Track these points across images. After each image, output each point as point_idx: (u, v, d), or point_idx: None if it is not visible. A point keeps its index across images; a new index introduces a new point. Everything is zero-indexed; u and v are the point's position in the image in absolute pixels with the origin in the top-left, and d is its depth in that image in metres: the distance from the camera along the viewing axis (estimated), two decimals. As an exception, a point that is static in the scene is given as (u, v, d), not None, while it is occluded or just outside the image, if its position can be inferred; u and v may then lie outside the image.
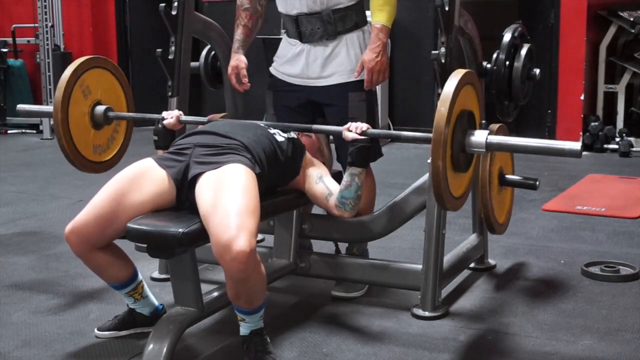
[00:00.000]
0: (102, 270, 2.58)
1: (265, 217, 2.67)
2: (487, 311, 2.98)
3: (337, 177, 3.12)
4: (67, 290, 3.24)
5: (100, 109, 3.16)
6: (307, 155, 2.87)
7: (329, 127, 2.93)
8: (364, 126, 2.70)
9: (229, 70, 3.18)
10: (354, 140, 2.68)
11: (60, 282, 3.34)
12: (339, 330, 2.80)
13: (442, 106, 2.40)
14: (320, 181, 2.82)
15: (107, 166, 3.30)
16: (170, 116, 2.92)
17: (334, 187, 2.79)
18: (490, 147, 2.51)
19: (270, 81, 3.25)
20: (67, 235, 2.48)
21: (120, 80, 3.31)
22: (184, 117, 2.96)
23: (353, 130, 2.69)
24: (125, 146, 3.37)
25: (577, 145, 2.42)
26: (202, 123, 2.93)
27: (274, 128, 2.80)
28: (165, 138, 2.91)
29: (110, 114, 3.18)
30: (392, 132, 2.88)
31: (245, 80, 3.16)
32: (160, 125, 2.91)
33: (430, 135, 2.43)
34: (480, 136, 2.51)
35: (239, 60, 3.16)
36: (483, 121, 2.70)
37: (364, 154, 2.70)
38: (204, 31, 3.47)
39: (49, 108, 3.16)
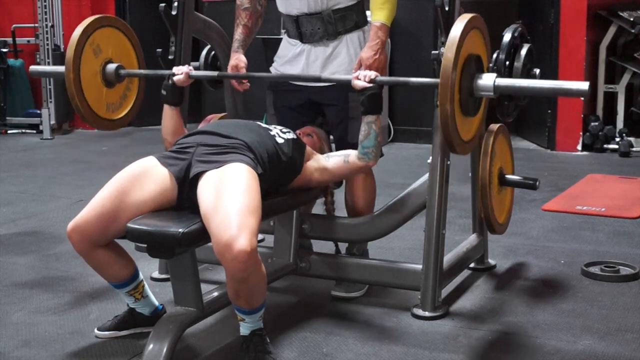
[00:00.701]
0: (103, 269, 2.58)
1: (266, 217, 2.67)
2: (487, 311, 2.98)
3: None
4: (67, 290, 3.24)
5: (112, 67, 3.17)
6: (308, 149, 2.87)
7: (338, 76, 2.93)
8: (372, 74, 2.72)
9: (229, 69, 3.18)
10: (364, 89, 2.70)
11: (60, 282, 3.34)
12: (339, 330, 2.80)
13: (449, 51, 2.41)
14: (330, 157, 2.86)
15: (120, 123, 3.33)
16: (180, 72, 2.93)
17: (346, 152, 2.83)
18: (498, 89, 2.52)
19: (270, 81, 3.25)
20: (69, 232, 2.48)
21: (130, 39, 3.31)
22: (193, 73, 2.96)
23: (362, 78, 2.71)
24: (138, 104, 3.38)
25: (584, 85, 2.42)
26: (213, 77, 2.93)
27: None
28: (174, 94, 2.92)
29: (122, 71, 3.18)
30: (400, 78, 2.89)
31: (245, 80, 3.16)
32: (169, 81, 2.92)
33: (438, 80, 2.44)
34: (488, 79, 2.51)
35: (238, 59, 3.16)
36: (490, 64, 2.70)
37: (375, 100, 2.72)
38: (204, 31, 3.47)
39: (61, 68, 3.16)
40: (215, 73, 3.03)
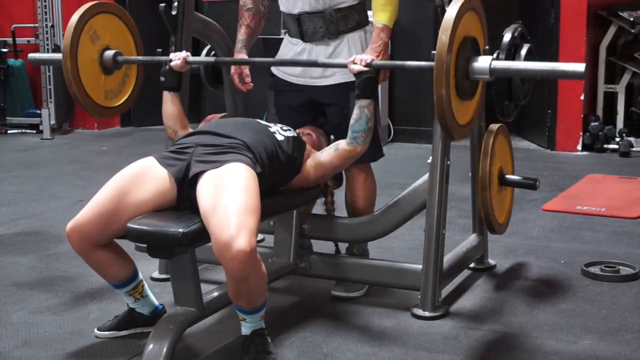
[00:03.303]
0: (103, 269, 2.58)
1: (266, 217, 2.67)
2: (487, 311, 2.98)
3: (337, 176, 3.13)
4: (67, 290, 3.24)
5: (109, 53, 3.17)
6: (308, 147, 2.87)
7: (335, 60, 2.92)
8: (368, 58, 2.72)
9: (232, 69, 3.19)
10: (360, 73, 2.71)
11: (60, 282, 3.34)
12: (339, 330, 2.80)
13: (444, 34, 2.38)
14: (324, 151, 2.86)
15: (119, 110, 3.33)
16: (178, 57, 2.93)
17: (337, 142, 2.83)
18: (494, 72, 2.49)
19: (271, 81, 3.25)
20: (68, 233, 2.48)
21: (128, 25, 3.31)
22: (191, 58, 2.96)
23: (358, 62, 2.72)
24: (137, 91, 3.37)
25: (580, 67, 2.40)
26: (210, 63, 2.95)
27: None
28: (172, 79, 2.93)
29: (120, 58, 3.18)
30: (396, 62, 2.90)
31: (248, 80, 3.17)
32: (167, 67, 2.93)
33: (433, 63, 2.41)
34: (484, 62, 2.49)
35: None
36: (487, 47, 2.69)
37: (370, 84, 2.73)
38: (204, 31, 3.47)
39: (58, 55, 3.15)
40: (212, 59, 3.03)
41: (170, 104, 2.92)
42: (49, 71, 7.52)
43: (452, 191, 3.23)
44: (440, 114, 2.42)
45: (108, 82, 3.22)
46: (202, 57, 3.03)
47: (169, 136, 2.95)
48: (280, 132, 2.78)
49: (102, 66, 3.17)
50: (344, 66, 2.77)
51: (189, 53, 2.98)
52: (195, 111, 4.34)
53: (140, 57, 3.30)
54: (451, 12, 2.40)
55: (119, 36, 3.26)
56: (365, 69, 2.71)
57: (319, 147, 3.01)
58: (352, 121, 2.76)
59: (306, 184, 2.88)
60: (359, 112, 2.74)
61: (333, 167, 2.86)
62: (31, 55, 3.56)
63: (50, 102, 7.57)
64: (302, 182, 2.85)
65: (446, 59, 2.36)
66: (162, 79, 2.93)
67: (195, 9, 3.38)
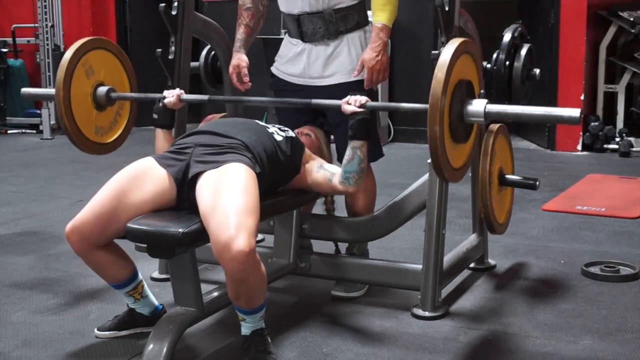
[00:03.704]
0: (102, 269, 2.58)
1: (266, 217, 2.67)
2: (487, 311, 2.98)
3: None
4: (67, 290, 3.24)
5: (103, 89, 3.16)
6: (307, 151, 2.87)
7: (328, 101, 2.85)
8: (362, 99, 2.69)
9: (231, 69, 3.19)
10: (354, 113, 2.69)
11: (60, 282, 3.34)
12: (339, 330, 2.80)
13: (439, 72, 2.35)
14: (321, 169, 2.84)
15: (109, 148, 3.30)
16: (171, 95, 2.93)
17: (335, 169, 2.82)
18: (489, 116, 2.46)
19: (271, 81, 3.25)
20: (68, 233, 2.48)
21: (123, 63, 3.30)
22: (184, 96, 2.96)
23: (352, 103, 2.70)
24: (129, 129, 3.36)
25: (575, 112, 2.37)
26: (203, 101, 2.94)
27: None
28: (165, 116, 2.91)
29: (113, 94, 3.18)
30: (391, 104, 2.88)
31: (247, 79, 3.17)
32: (160, 104, 2.92)
33: (427, 105, 2.38)
34: (478, 105, 2.47)
35: (240, 59, 3.16)
36: (482, 91, 2.68)
37: (364, 126, 2.70)
38: (204, 31, 3.47)
39: (51, 90, 3.15)
40: (205, 97, 3.02)
41: (162, 141, 2.90)
42: (49, 71, 7.53)
43: (452, 191, 3.23)
44: (434, 155, 2.38)
45: (99, 119, 3.21)
46: (195, 96, 3.02)
47: None
48: (279, 132, 2.78)
49: (95, 101, 3.16)
50: (338, 107, 2.73)
51: (182, 91, 2.96)
52: (195, 111, 4.33)
53: (133, 94, 3.29)
54: (446, 54, 2.38)
55: (114, 74, 3.25)
56: (359, 110, 2.68)
57: (318, 148, 3.01)
58: (344, 160, 2.75)
59: (304, 187, 2.87)
60: (352, 153, 2.72)
61: (322, 191, 2.90)
62: (24, 90, 3.53)
63: (50, 102, 7.57)
64: (301, 183, 2.85)
65: (441, 97, 2.33)
66: (155, 116, 2.91)
67: (195, 9, 3.38)
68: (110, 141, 3.29)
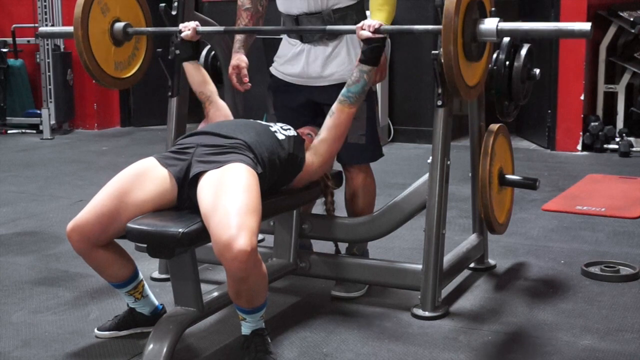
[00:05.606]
0: (103, 269, 2.58)
1: (266, 217, 2.67)
2: (487, 311, 2.98)
3: (337, 176, 3.13)
4: (67, 290, 3.24)
5: (120, 25, 3.21)
6: (306, 143, 2.87)
7: (343, 27, 2.93)
8: (376, 23, 2.74)
9: (230, 69, 3.19)
10: (368, 40, 2.73)
11: (60, 282, 3.34)
12: (339, 330, 2.80)
13: None
14: (318, 135, 2.86)
15: (129, 82, 3.38)
16: (187, 28, 2.97)
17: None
18: (501, 33, 2.56)
19: (270, 81, 3.25)
20: (69, 232, 2.48)
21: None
22: (200, 28, 3.01)
23: (366, 28, 2.73)
24: (147, 63, 3.41)
25: (586, 26, 2.46)
26: (220, 32, 2.98)
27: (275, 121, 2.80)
28: (187, 49, 2.99)
29: (130, 29, 3.22)
30: (404, 27, 2.96)
31: (246, 79, 3.17)
32: (178, 39, 2.97)
33: (441, 27, 2.48)
34: (490, 23, 2.55)
35: (239, 60, 3.16)
36: (493, 9, 2.74)
37: (377, 52, 2.75)
38: (204, 31, 3.47)
39: (69, 28, 3.20)
40: (221, 28, 3.08)
41: (193, 73, 2.99)
42: (49, 71, 7.52)
43: (452, 191, 3.23)
44: (449, 74, 2.49)
45: (118, 54, 3.27)
46: (212, 27, 3.08)
47: (202, 102, 2.99)
48: (281, 131, 2.78)
49: (112, 37, 3.21)
50: (353, 32, 2.79)
51: (198, 23, 3.02)
52: (195, 111, 4.29)
53: (150, 28, 3.35)
54: None
55: (129, 9, 3.30)
56: (374, 35, 2.72)
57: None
58: (349, 81, 2.79)
59: (310, 178, 2.87)
60: (359, 75, 2.77)
61: (330, 139, 2.83)
62: (42, 29, 3.58)
63: (50, 102, 7.57)
64: (306, 178, 2.84)
65: (454, 17, 2.43)
66: (177, 51, 2.99)
67: (195, 9, 3.38)
68: (130, 75, 3.36)
